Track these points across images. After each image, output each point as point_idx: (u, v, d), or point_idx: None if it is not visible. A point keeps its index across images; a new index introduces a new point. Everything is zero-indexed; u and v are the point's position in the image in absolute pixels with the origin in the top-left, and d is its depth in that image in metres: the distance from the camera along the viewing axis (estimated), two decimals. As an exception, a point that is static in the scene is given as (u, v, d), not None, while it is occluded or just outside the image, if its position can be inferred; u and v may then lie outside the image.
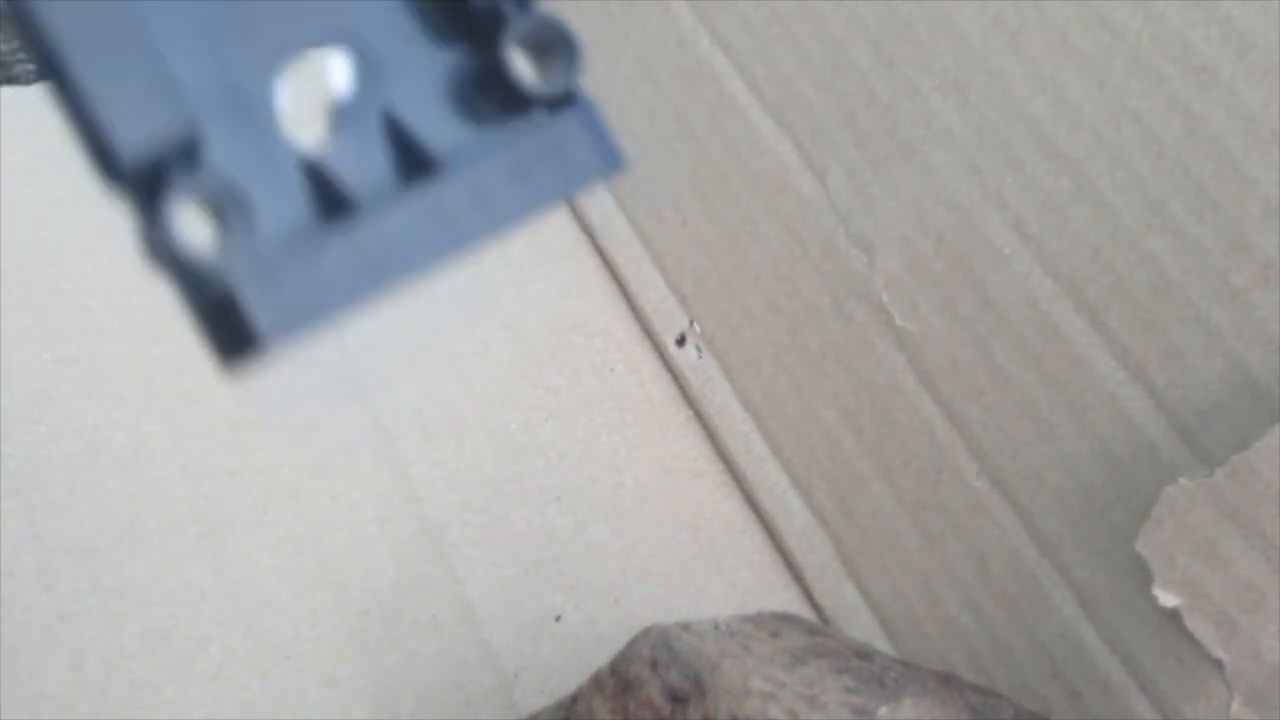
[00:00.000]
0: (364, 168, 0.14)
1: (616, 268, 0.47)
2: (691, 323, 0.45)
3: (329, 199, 0.14)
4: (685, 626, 0.28)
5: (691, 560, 0.41)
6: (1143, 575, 0.31)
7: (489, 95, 0.15)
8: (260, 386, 0.41)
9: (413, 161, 0.15)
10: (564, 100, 0.15)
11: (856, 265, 0.39)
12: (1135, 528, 0.31)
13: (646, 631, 0.28)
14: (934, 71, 0.37)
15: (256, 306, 0.13)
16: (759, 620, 0.30)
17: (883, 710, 0.27)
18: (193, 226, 0.13)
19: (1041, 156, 0.34)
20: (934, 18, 0.36)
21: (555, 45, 0.15)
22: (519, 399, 0.43)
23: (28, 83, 0.48)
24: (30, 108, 0.46)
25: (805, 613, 0.41)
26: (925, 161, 0.37)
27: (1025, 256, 0.35)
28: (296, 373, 0.42)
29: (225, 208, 0.13)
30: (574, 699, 0.29)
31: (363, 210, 0.14)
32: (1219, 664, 0.29)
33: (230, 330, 0.13)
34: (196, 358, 0.44)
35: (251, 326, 0.13)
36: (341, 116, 0.14)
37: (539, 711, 0.30)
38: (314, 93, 0.15)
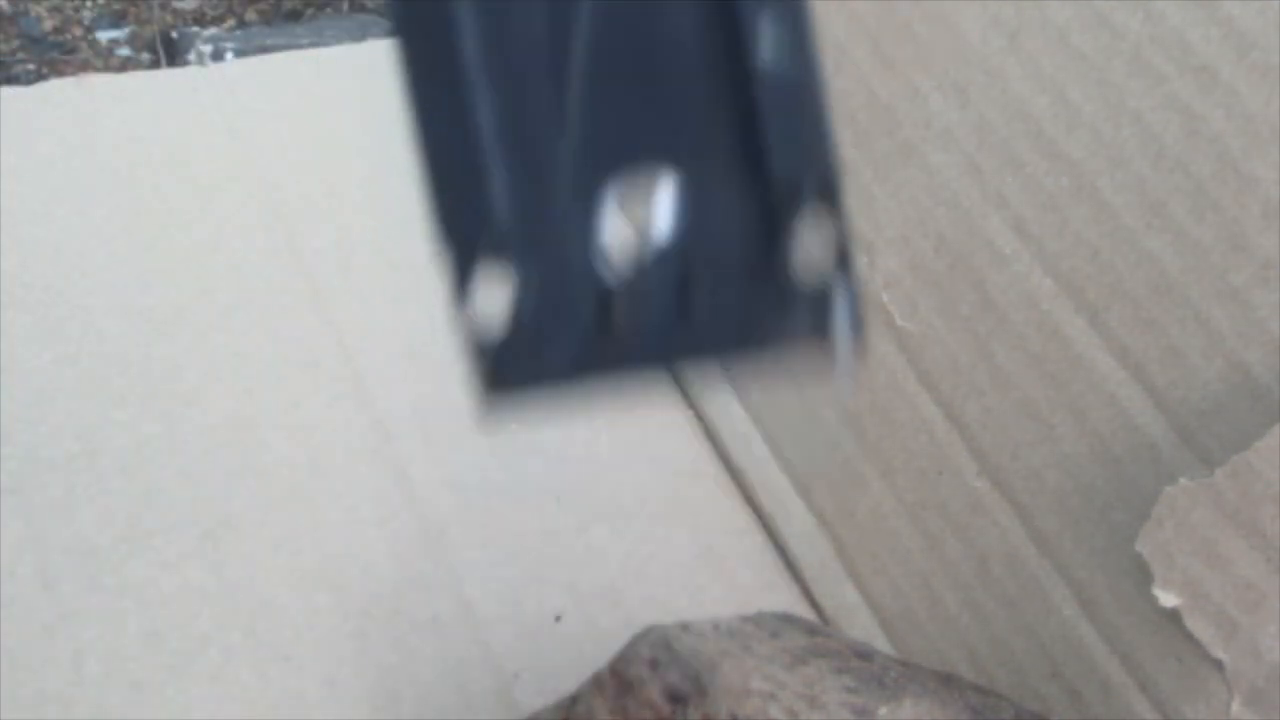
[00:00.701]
0: (644, 312, 0.16)
1: (616, 268, 0.47)
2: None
3: (604, 319, 0.16)
4: (685, 627, 0.28)
5: (691, 560, 0.41)
6: (1143, 575, 0.31)
7: (771, 265, 0.16)
8: (260, 388, 0.41)
9: (685, 307, 0.16)
10: (833, 284, 0.16)
11: (856, 265, 0.39)
12: (1135, 528, 0.31)
13: (646, 632, 0.28)
14: (934, 71, 0.37)
15: (508, 370, 0.16)
16: (759, 620, 0.30)
17: (883, 710, 0.27)
18: (486, 301, 0.16)
19: (1041, 156, 0.34)
20: (934, 18, 0.36)
21: (836, 232, 0.16)
22: (519, 399, 0.43)
23: (28, 83, 0.48)
24: (30, 108, 0.46)
25: (805, 613, 0.41)
26: (925, 161, 0.37)
27: (1025, 256, 0.35)
28: (297, 373, 0.42)
29: (519, 286, 0.16)
30: (574, 699, 0.29)
31: (628, 344, 0.16)
32: (1219, 664, 0.29)
33: (490, 375, 0.16)
34: (196, 358, 0.44)
35: (498, 384, 0.16)
36: (648, 256, 0.16)
37: (539, 711, 0.30)
38: (634, 217, 0.16)
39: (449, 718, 0.35)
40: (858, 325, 0.16)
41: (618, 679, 0.28)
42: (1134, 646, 0.33)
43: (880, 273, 0.39)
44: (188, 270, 0.43)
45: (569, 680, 0.30)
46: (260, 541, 0.37)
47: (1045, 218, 0.34)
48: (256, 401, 0.40)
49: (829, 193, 0.16)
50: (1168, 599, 0.30)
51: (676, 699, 0.27)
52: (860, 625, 0.40)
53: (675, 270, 0.16)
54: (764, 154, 0.16)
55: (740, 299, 0.16)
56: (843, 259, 0.16)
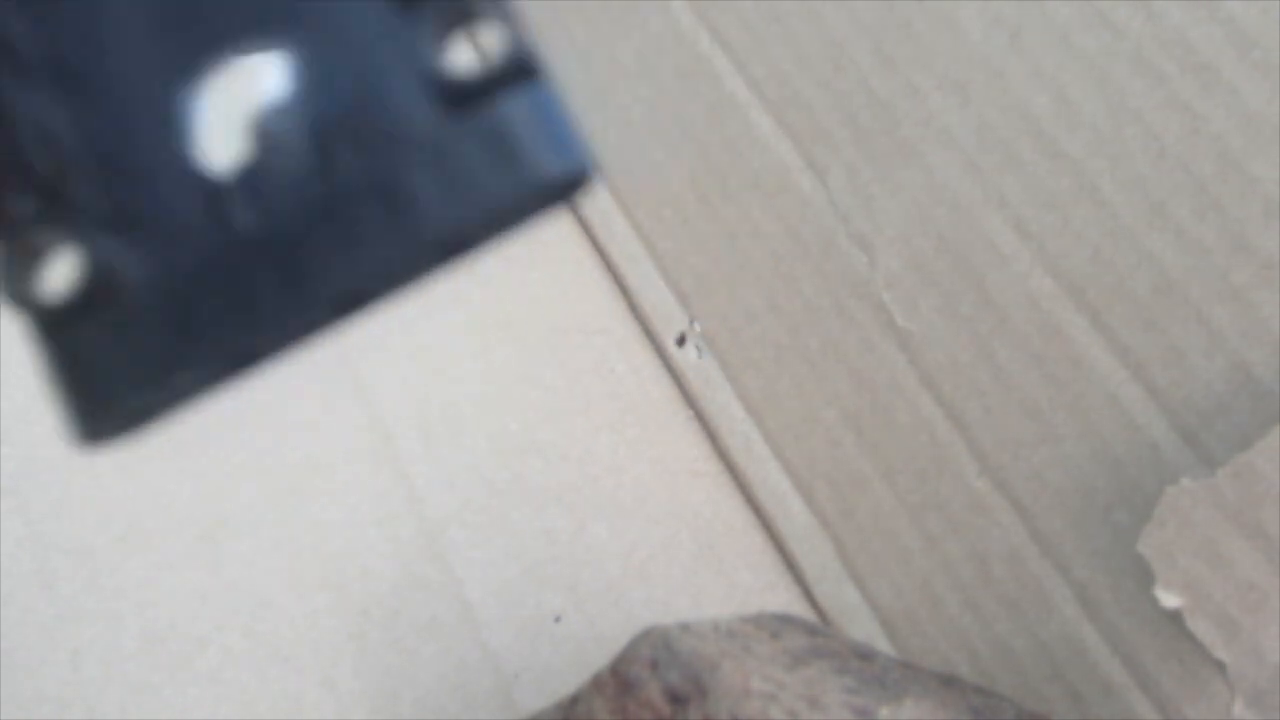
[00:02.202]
0: (273, 192, 0.12)
1: (616, 267, 0.47)
2: (692, 322, 0.45)
3: (227, 231, 0.12)
4: (685, 627, 0.28)
5: (691, 561, 0.41)
6: (1144, 576, 0.31)
7: (421, 90, 0.12)
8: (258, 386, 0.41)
9: (322, 173, 0.12)
10: (497, 86, 0.12)
11: (857, 265, 0.39)
12: (1137, 528, 0.30)
13: (646, 632, 0.28)
14: (934, 70, 0.36)
15: (103, 359, 0.12)
16: (759, 621, 0.30)
17: (884, 711, 0.27)
18: (52, 273, 0.12)
19: (1042, 156, 0.34)
20: (934, 16, 0.36)
21: (476, 10, 0.12)
22: (519, 399, 0.43)
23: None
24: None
25: (805, 613, 0.41)
26: (925, 161, 0.37)
27: (1026, 256, 0.35)
28: (296, 372, 0.41)
29: (89, 263, 0.12)
30: (574, 700, 0.29)
31: (254, 241, 0.12)
32: (1221, 665, 0.29)
33: (80, 383, 0.12)
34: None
35: (99, 382, 0.12)
36: (265, 126, 0.12)
37: (539, 712, 0.30)
38: (235, 104, 0.13)
39: (448, 718, 0.35)
40: (560, 131, 0.12)
41: (618, 679, 0.28)
42: (1136, 647, 0.33)
43: (880, 273, 0.38)
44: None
45: (569, 680, 0.30)
46: (259, 542, 0.37)
47: (1046, 217, 0.34)
48: (255, 401, 0.40)
49: None
50: (1169, 600, 0.30)
51: (677, 699, 0.27)
52: (861, 626, 0.40)
53: (302, 141, 0.12)
54: None
55: (390, 146, 0.12)
56: (512, 51, 0.12)
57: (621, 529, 0.41)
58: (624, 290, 0.47)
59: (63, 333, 0.12)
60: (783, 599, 0.41)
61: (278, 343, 0.12)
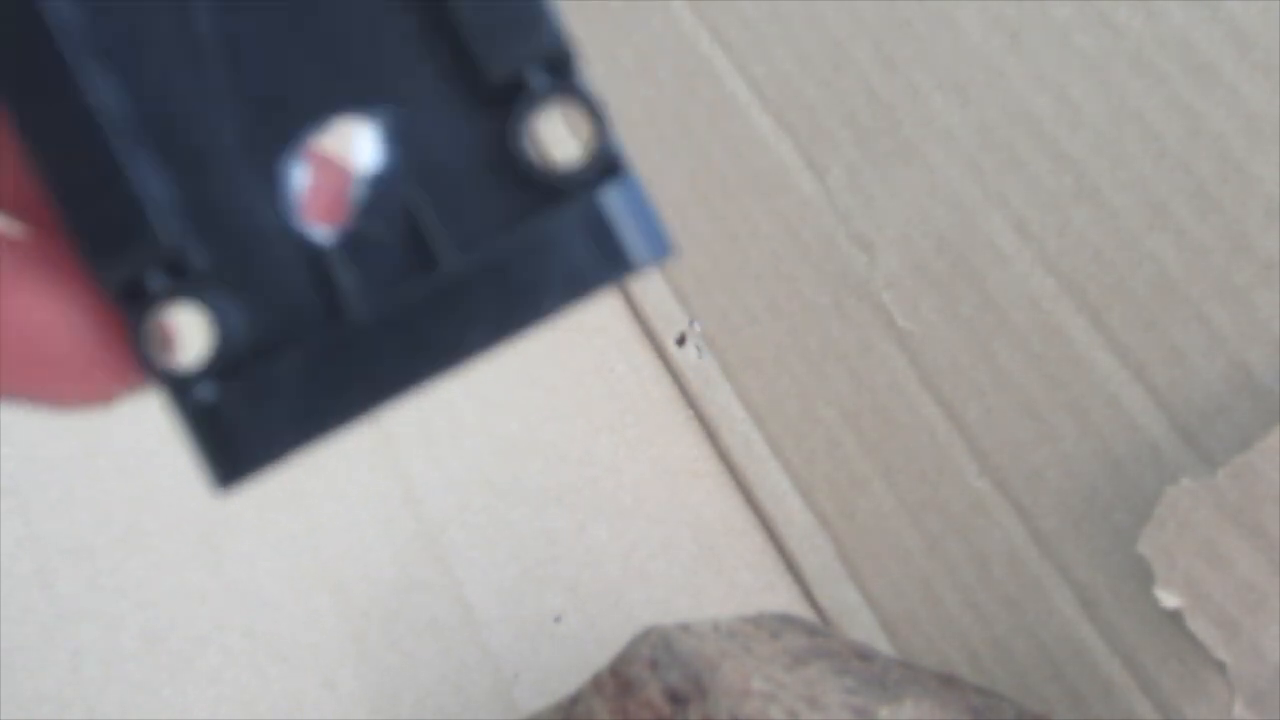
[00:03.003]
0: (374, 260, 0.13)
1: (616, 268, 0.47)
2: (692, 322, 0.45)
3: (332, 297, 0.13)
4: (685, 627, 0.28)
5: (691, 561, 0.41)
6: (1144, 576, 0.31)
7: (514, 177, 0.13)
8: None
9: (425, 253, 0.13)
10: (594, 180, 0.13)
11: (857, 265, 0.39)
12: (1137, 528, 0.30)
13: (646, 632, 0.28)
14: (935, 71, 0.36)
15: (240, 425, 0.13)
16: (759, 621, 0.30)
17: (884, 711, 0.27)
18: (176, 341, 0.13)
19: (1043, 156, 0.34)
20: (935, 17, 0.36)
21: (580, 114, 0.13)
22: (519, 399, 0.43)
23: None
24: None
25: (805, 613, 0.41)
26: (926, 161, 0.37)
27: (1026, 256, 0.35)
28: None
29: (211, 320, 0.13)
30: (574, 700, 0.29)
31: (364, 314, 0.13)
32: (1221, 665, 0.29)
33: (218, 446, 0.13)
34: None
35: (237, 445, 0.13)
36: (362, 199, 0.14)
37: (539, 712, 0.30)
38: (334, 174, 0.14)
39: (448, 718, 0.35)
40: (649, 223, 0.13)
41: (618, 679, 0.28)
42: (1135, 647, 0.33)
43: (880, 273, 0.38)
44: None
45: (569, 680, 0.30)
46: (259, 542, 0.37)
47: (1046, 217, 0.34)
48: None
49: (560, 66, 0.13)
50: (1169, 600, 0.30)
51: (676, 699, 0.27)
52: (861, 626, 0.40)
53: (397, 212, 0.13)
54: (466, 46, 0.13)
55: (487, 229, 0.13)
56: (601, 150, 0.13)
57: (621, 529, 0.41)
58: (624, 290, 0.47)
59: (195, 398, 0.13)
60: (783, 599, 0.41)
61: (387, 401, 0.13)
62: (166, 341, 0.13)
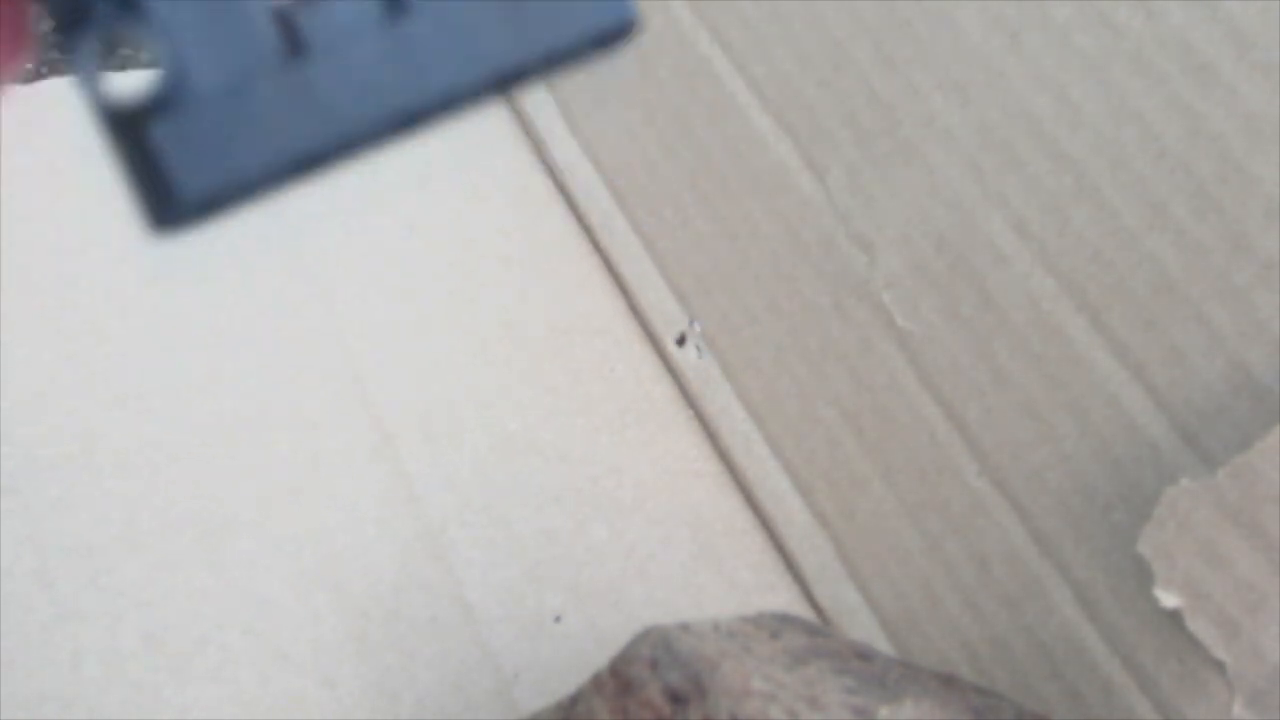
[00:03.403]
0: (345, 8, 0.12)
1: (616, 267, 0.47)
2: (692, 322, 0.45)
3: (293, 36, 0.12)
4: (685, 627, 0.28)
5: (691, 560, 0.41)
6: (1144, 576, 0.31)
7: None
8: (256, 387, 0.41)
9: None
10: None
11: (857, 265, 0.39)
12: (1136, 528, 0.30)
13: (646, 632, 0.28)
14: (935, 71, 0.36)
15: (179, 160, 0.12)
16: (759, 621, 0.30)
17: (883, 711, 0.27)
18: (117, 67, 0.11)
19: (1042, 156, 0.34)
20: (935, 17, 0.36)
21: None
22: (518, 399, 0.43)
23: (28, 83, 0.48)
24: (30, 108, 0.46)
25: (805, 613, 0.41)
26: (926, 161, 0.37)
27: (1026, 256, 0.35)
28: (296, 372, 0.41)
29: (153, 51, 0.12)
30: (574, 699, 0.29)
31: (322, 49, 0.12)
32: (1221, 665, 0.29)
33: (152, 179, 0.12)
34: (194, 358, 0.44)
35: (174, 185, 0.12)
36: None
37: (539, 712, 0.30)
38: None
39: (449, 718, 0.35)
40: None
41: (618, 679, 0.28)
42: (1135, 647, 0.33)
43: (880, 273, 0.38)
44: (187, 269, 0.43)
45: (569, 680, 0.30)
46: (259, 541, 0.37)
47: (1046, 218, 0.34)
48: (256, 400, 0.40)
49: None
50: (1169, 600, 0.30)
51: (677, 699, 0.27)
52: (860, 626, 0.40)
53: None
54: None
55: None
56: None
57: (621, 529, 0.41)
58: (624, 290, 0.47)
59: (135, 131, 0.12)
60: (783, 599, 0.41)
61: (334, 151, 0.12)
62: (110, 63, 0.12)
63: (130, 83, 0.12)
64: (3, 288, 0.40)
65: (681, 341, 0.45)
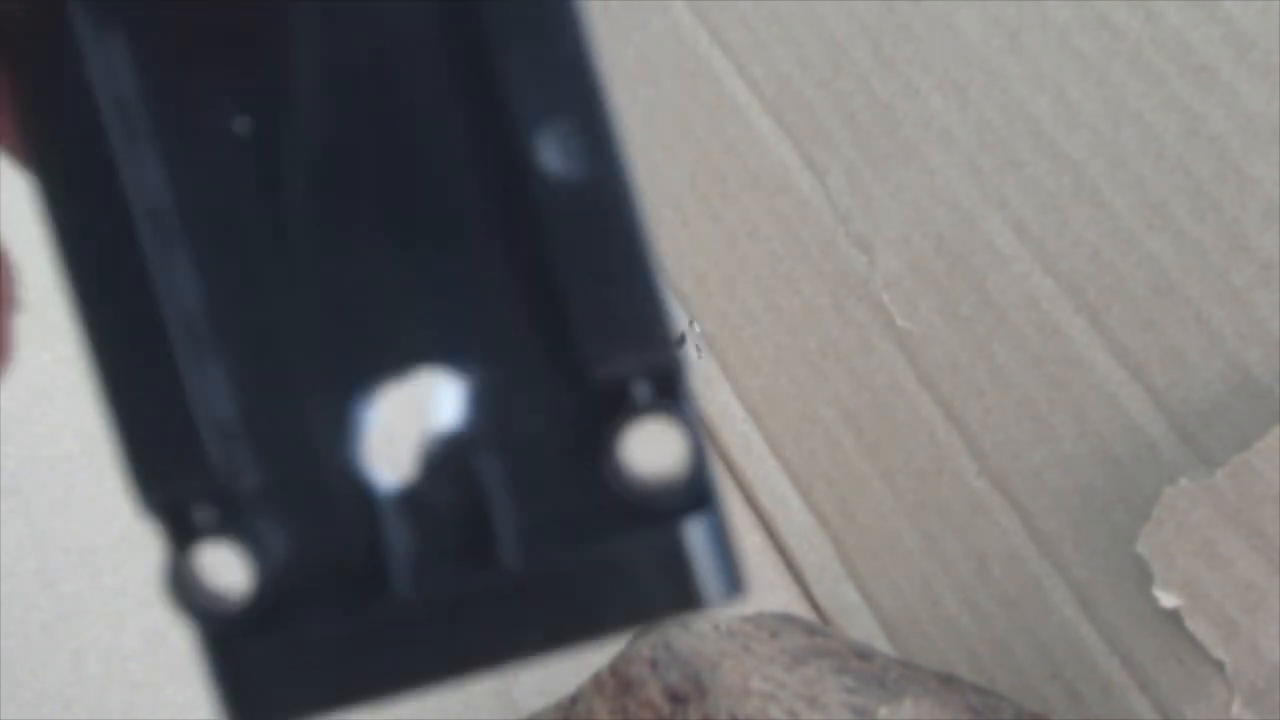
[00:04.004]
0: (431, 530, 0.12)
1: (617, 267, 0.47)
2: (691, 322, 0.45)
3: (378, 562, 0.12)
4: (685, 627, 0.28)
5: (691, 560, 0.41)
6: (1143, 576, 0.31)
7: (597, 481, 0.12)
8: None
9: (486, 538, 0.12)
10: (680, 509, 0.12)
11: (856, 265, 0.39)
12: (1135, 528, 0.31)
13: (646, 632, 0.28)
14: (934, 71, 0.37)
15: (264, 679, 0.12)
16: (759, 620, 0.30)
17: (883, 710, 0.27)
18: (215, 575, 0.12)
19: (1042, 156, 0.34)
20: (934, 18, 0.36)
21: (678, 437, 0.12)
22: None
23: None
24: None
25: (805, 613, 0.41)
26: (925, 161, 0.37)
27: (1025, 256, 0.35)
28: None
29: (253, 561, 0.12)
30: (574, 699, 0.29)
31: (407, 588, 0.12)
32: (1220, 664, 0.29)
33: (238, 696, 0.12)
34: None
35: (257, 700, 0.12)
36: (432, 459, 0.12)
37: (539, 711, 0.30)
38: (408, 425, 0.13)
39: (448, 717, 0.35)
40: (726, 562, 0.12)
41: (618, 679, 0.28)
42: (1134, 647, 0.33)
43: (880, 273, 0.39)
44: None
45: (568, 681, 0.30)
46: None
47: (1045, 218, 0.34)
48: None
49: (667, 383, 0.12)
50: (1168, 599, 0.30)
51: (676, 699, 0.27)
52: (860, 625, 0.40)
53: (466, 483, 0.12)
54: (574, 335, 0.12)
55: (558, 533, 0.12)
56: (694, 479, 0.12)
57: (621, 529, 0.41)
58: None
59: (226, 642, 0.12)
60: (783, 599, 0.41)
61: (416, 690, 0.12)
62: (205, 578, 0.12)
63: (226, 591, 0.12)
64: (4, 288, 0.41)
65: (681, 341, 0.45)
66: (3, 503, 0.36)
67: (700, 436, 0.12)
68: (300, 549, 0.12)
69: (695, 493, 0.12)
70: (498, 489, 0.12)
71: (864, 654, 0.30)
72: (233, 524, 0.12)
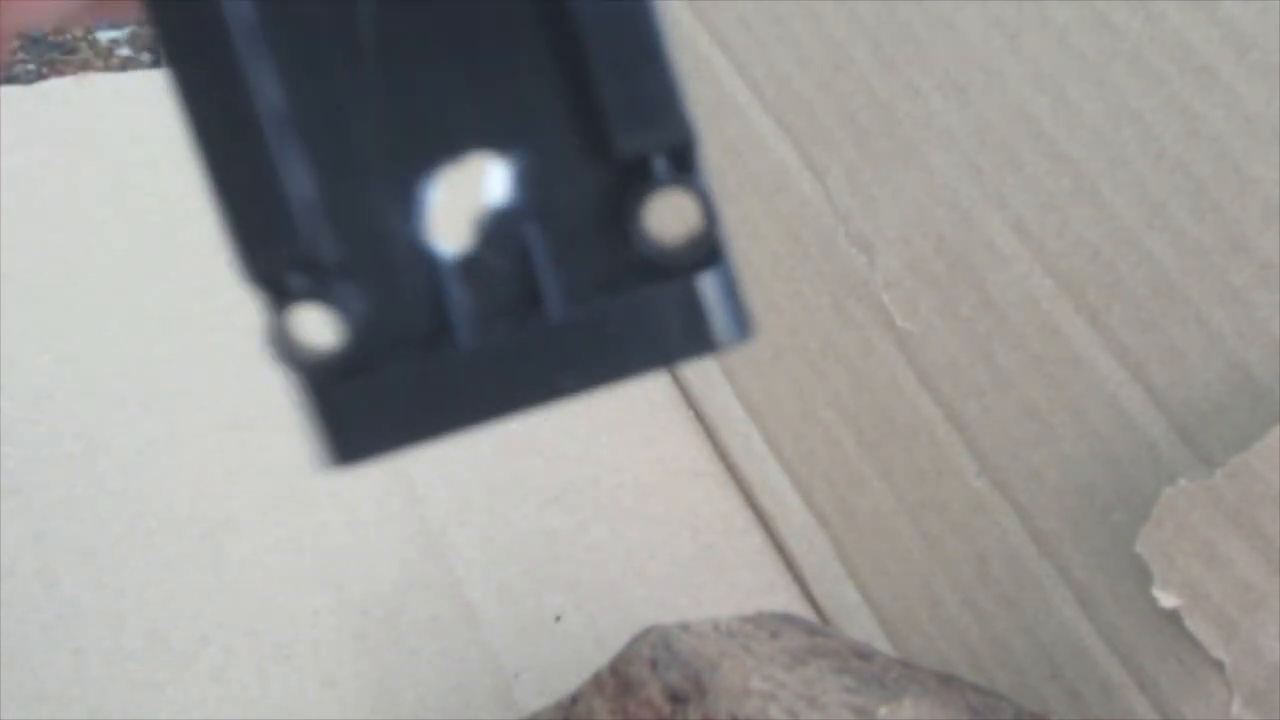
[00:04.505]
0: (486, 288, 0.15)
1: (617, 267, 0.47)
2: (692, 323, 0.45)
3: (443, 315, 0.15)
4: (685, 627, 0.28)
5: (691, 560, 0.41)
6: (1143, 575, 0.31)
7: (624, 243, 0.14)
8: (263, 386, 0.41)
9: (533, 291, 0.15)
10: (696, 264, 0.14)
11: (856, 265, 0.39)
12: (1135, 528, 0.31)
13: (646, 632, 0.28)
14: (934, 71, 0.37)
15: (356, 418, 0.15)
16: (759, 620, 0.30)
17: (883, 710, 0.27)
18: (308, 332, 0.14)
19: (1042, 157, 0.34)
20: (934, 18, 0.36)
21: (693, 205, 0.14)
22: (519, 399, 0.43)
23: (28, 82, 0.48)
24: (30, 108, 0.46)
25: (805, 613, 0.41)
26: (925, 161, 0.37)
27: (1025, 256, 0.35)
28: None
29: (341, 318, 0.14)
30: (574, 699, 0.29)
31: (468, 337, 0.15)
32: (1219, 664, 0.29)
33: (336, 433, 0.15)
34: (197, 358, 0.44)
35: (352, 436, 0.15)
36: (485, 230, 0.15)
37: (539, 711, 0.30)
38: (463, 201, 0.15)
39: (449, 717, 0.35)
40: (737, 310, 0.15)
41: (618, 679, 0.28)
42: (1134, 647, 0.33)
43: (880, 273, 0.39)
44: (189, 270, 0.43)
45: (569, 680, 0.30)
46: (260, 541, 0.37)
47: (1045, 218, 0.34)
48: (257, 401, 0.40)
49: (683, 159, 0.14)
50: (1168, 600, 0.30)
51: (676, 699, 0.27)
52: (860, 625, 0.40)
53: (514, 249, 0.15)
54: (601, 117, 0.14)
55: (592, 286, 0.15)
56: (707, 240, 0.14)
57: (622, 529, 0.41)
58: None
59: (320, 387, 0.15)
60: (782, 598, 0.41)
61: (478, 425, 0.15)
62: (299, 333, 0.14)
63: (318, 344, 0.14)
64: (3, 288, 0.41)
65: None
66: (3, 503, 0.36)
67: (713, 203, 0.14)
68: (377, 310, 0.15)
69: (708, 251, 0.14)
70: (541, 253, 0.15)
71: (864, 654, 0.30)
72: (320, 289, 0.14)
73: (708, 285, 0.14)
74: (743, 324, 0.15)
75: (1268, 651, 0.29)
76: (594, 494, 0.42)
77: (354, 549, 0.38)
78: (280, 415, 0.41)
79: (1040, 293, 0.35)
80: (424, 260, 0.15)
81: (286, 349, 0.14)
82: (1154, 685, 0.32)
